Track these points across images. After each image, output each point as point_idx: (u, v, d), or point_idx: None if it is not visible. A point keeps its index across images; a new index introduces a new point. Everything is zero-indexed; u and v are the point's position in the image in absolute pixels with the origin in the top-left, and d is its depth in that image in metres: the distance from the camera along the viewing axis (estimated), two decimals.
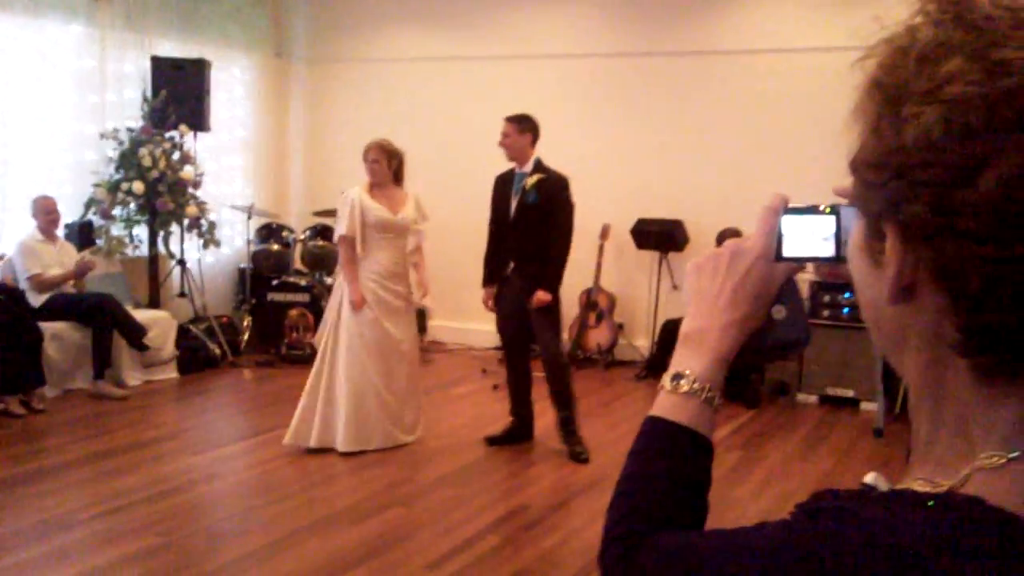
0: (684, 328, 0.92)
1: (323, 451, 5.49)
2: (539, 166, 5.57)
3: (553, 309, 5.55)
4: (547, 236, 5.48)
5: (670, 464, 0.88)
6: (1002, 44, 0.58)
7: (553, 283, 5.49)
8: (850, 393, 6.98)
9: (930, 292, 0.62)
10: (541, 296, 5.42)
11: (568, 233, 5.57)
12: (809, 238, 0.85)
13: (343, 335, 5.54)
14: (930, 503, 0.61)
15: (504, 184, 5.68)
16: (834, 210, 0.84)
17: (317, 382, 5.57)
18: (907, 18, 0.63)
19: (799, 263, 0.88)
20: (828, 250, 0.84)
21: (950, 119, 0.58)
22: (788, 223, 0.86)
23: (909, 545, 0.58)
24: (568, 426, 5.59)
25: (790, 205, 0.87)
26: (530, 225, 5.50)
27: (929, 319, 0.64)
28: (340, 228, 5.56)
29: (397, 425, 5.66)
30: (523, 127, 5.56)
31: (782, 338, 0.89)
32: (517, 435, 5.75)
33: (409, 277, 5.76)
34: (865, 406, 6.82)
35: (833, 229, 0.84)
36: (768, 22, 7.62)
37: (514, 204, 5.56)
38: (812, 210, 0.85)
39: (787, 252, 0.86)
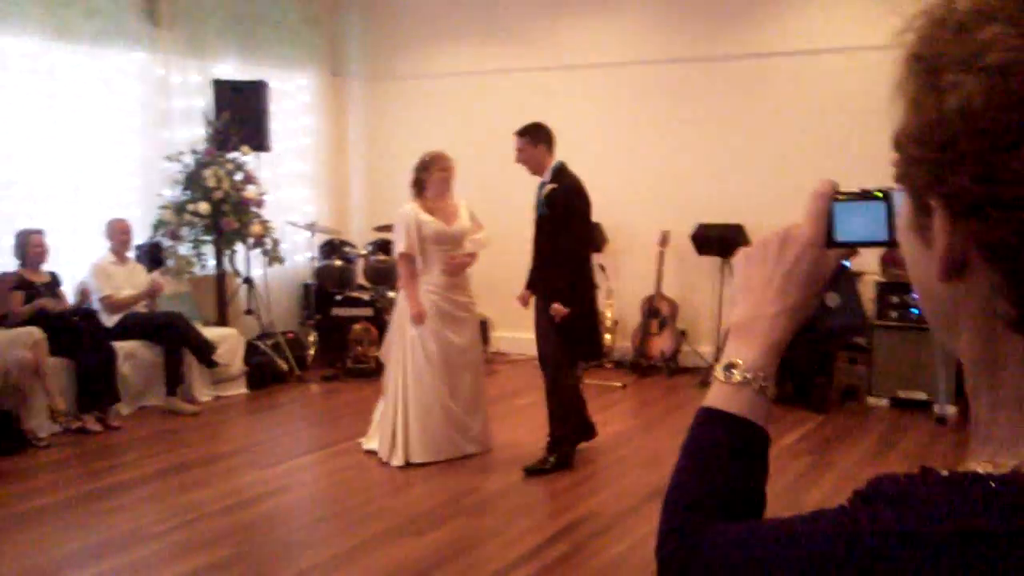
0: (735, 318, 0.92)
1: (386, 463, 5.54)
2: (556, 174, 5.43)
3: (568, 323, 5.34)
4: (556, 247, 5.38)
5: (725, 454, 0.87)
6: None
7: (562, 294, 5.33)
8: (922, 395, 6.81)
9: (982, 268, 0.61)
10: (557, 308, 5.31)
11: (576, 242, 5.41)
12: (860, 222, 0.83)
13: (408, 350, 5.60)
14: (992, 484, 0.59)
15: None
16: (885, 194, 0.82)
17: (391, 398, 5.65)
18: None
19: (851, 247, 0.86)
20: (881, 234, 0.82)
21: (992, 86, 0.57)
22: (839, 208, 0.84)
23: (969, 528, 0.57)
24: (551, 444, 5.45)
25: (840, 190, 0.85)
26: (543, 236, 5.42)
27: (982, 296, 0.62)
28: (399, 246, 5.60)
29: (464, 435, 5.70)
30: (535, 138, 5.46)
31: (836, 325, 0.88)
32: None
33: (470, 286, 5.78)
34: (938, 408, 6.67)
35: (884, 213, 0.82)
36: (822, 22, 7.52)
37: (534, 217, 5.53)
38: (863, 195, 0.83)
39: (838, 237, 0.85)
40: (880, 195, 0.82)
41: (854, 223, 0.84)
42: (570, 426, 5.47)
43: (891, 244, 0.81)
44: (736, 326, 0.91)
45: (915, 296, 0.73)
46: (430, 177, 5.60)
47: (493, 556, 4.30)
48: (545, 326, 5.44)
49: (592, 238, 5.59)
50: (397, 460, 5.54)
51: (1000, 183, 0.57)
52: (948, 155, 0.59)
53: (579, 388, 5.66)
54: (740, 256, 0.92)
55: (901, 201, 0.69)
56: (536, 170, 5.50)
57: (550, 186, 5.40)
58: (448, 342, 5.62)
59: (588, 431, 5.68)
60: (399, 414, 5.59)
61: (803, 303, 0.89)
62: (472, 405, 5.74)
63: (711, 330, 8.08)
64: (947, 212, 0.61)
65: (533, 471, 5.38)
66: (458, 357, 5.65)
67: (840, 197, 0.85)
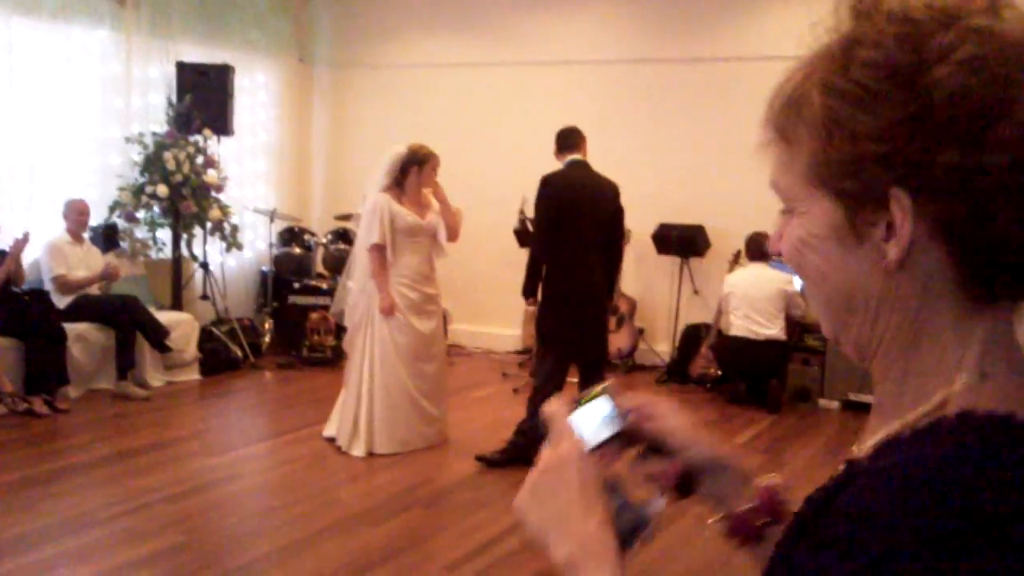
0: (561, 558, 0.83)
1: (342, 453, 5.52)
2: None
3: (540, 315, 5.42)
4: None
5: None
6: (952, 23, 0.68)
7: (524, 287, 5.47)
8: (872, 399, 6.91)
9: (926, 247, 0.69)
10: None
11: (537, 235, 5.42)
12: (599, 422, 0.90)
13: (375, 341, 5.58)
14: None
15: None
16: (604, 388, 0.91)
17: (354, 388, 5.62)
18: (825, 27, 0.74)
19: (607, 447, 0.90)
20: (618, 424, 0.91)
21: (970, 73, 0.66)
22: (577, 420, 0.89)
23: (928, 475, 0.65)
24: (517, 433, 5.45)
25: (572, 401, 0.91)
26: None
27: (922, 275, 0.71)
28: (372, 236, 5.50)
29: (430, 426, 5.74)
30: (556, 145, 5.51)
31: (624, 528, 0.84)
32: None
33: (435, 278, 5.80)
34: None
35: (610, 406, 0.91)
36: (790, 28, 7.57)
37: None
38: (589, 398, 0.91)
39: (591, 445, 0.88)
40: (600, 392, 0.91)
41: (596, 426, 0.90)
42: (533, 422, 5.46)
43: (619, 436, 0.90)
44: (569, 564, 0.82)
45: (819, 307, 0.78)
46: (422, 172, 5.55)
47: (446, 548, 4.29)
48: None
49: (565, 238, 5.34)
50: (358, 450, 5.51)
51: (989, 152, 0.66)
52: (928, 141, 0.67)
53: (551, 387, 5.35)
54: (524, 505, 0.87)
55: (615, 393, 0.79)
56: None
57: None
58: (418, 334, 5.63)
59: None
60: (363, 404, 5.56)
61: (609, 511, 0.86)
62: (436, 394, 5.77)
63: (669, 329, 8.14)
64: (911, 198, 0.68)
65: (486, 459, 5.40)
66: (424, 348, 5.67)
67: (573, 408, 0.90)
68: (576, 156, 5.45)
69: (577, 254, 5.32)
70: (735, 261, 7.54)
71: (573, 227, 5.29)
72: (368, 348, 5.60)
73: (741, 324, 6.97)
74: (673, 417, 1.00)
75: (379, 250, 5.51)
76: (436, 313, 5.79)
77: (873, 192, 0.70)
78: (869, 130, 0.68)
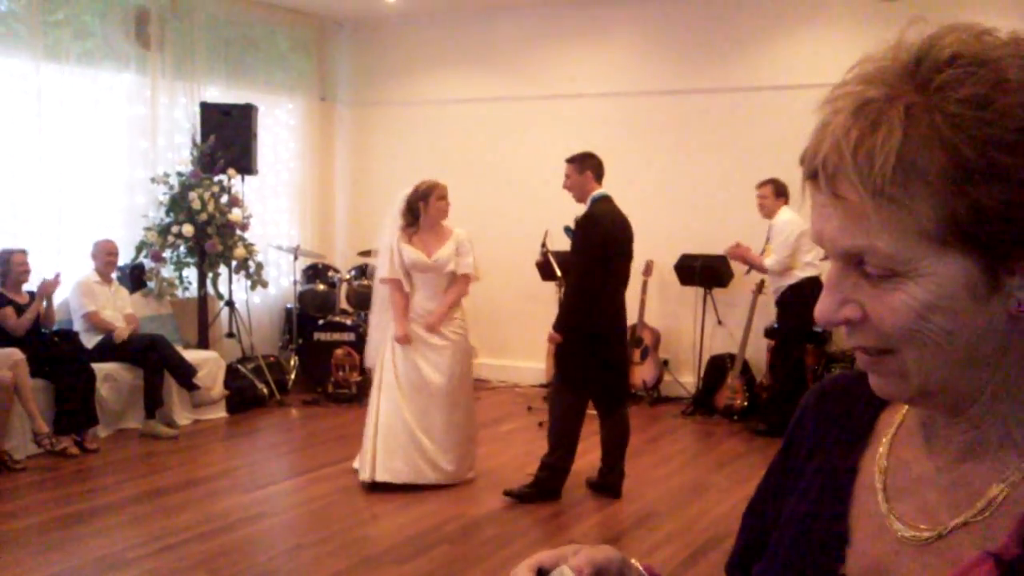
0: None
1: (373, 488, 5.51)
2: (592, 204, 5.40)
3: (567, 352, 5.35)
4: (571, 276, 5.40)
5: None
6: None
7: (560, 321, 5.35)
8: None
9: None
10: (550, 335, 5.38)
11: (580, 272, 5.33)
12: None
13: (385, 368, 5.66)
14: None
15: None
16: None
17: (370, 413, 5.71)
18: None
19: None
20: None
21: None
22: None
23: None
24: (541, 468, 5.43)
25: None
26: (569, 264, 5.50)
27: None
28: (381, 271, 5.71)
29: (431, 466, 5.61)
30: (581, 166, 5.48)
31: None
32: (602, 486, 5.55)
33: (456, 316, 5.74)
34: None
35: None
36: (810, 57, 7.61)
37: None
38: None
39: None
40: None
41: None
42: (557, 456, 5.44)
43: None
44: None
45: (927, 367, 0.75)
46: (428, 206, 5.60)
47: None
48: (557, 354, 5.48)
49: (609, 274, 5.34)
50: (364, 475, 5.54)
51: None
52: None
53: (577, 422, 5.44)
54: None
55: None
56: (579, 198, 5.52)
57: (579, 216, 5.43)
58: (418, 372, 5.60)
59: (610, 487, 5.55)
60: (369, 429, 5.63)
61: None
62: (443, 437, 5.63)
63: (693, 360, 8.10)
64: None
65: (514, 495, 5.37)
66: (425, 388, 5.61)
67: None
68: (603, 190, 5.47)
69: (618, 292, 5.46)
70: (759, 291, 7.51)
71: (614, 264, 5.37)
72: (379, 374, 5.70)
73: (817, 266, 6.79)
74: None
75: (392, 283, 5.63)
76: (448, 351, 5.63)
77: (998, 252, 0.70)
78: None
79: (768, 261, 6.97)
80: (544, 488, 5.38)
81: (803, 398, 1.01)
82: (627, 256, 5.48)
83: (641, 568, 0.89)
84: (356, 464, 5.78)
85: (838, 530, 0.87)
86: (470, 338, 5.94)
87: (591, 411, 5.53)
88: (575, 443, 5.45)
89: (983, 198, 0.69)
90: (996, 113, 0.69)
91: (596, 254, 5.27)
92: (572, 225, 5.55)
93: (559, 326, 5.36)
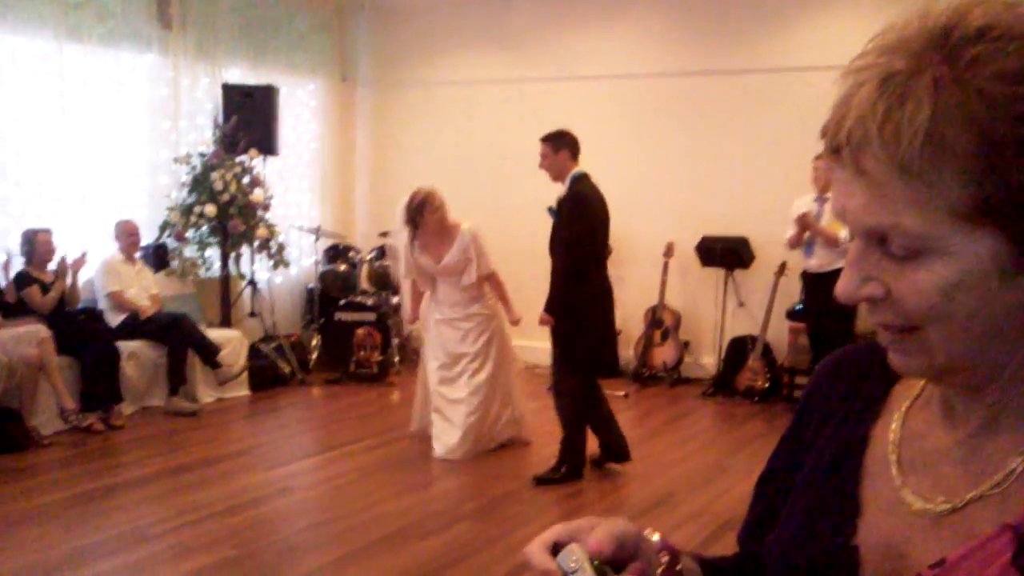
0: None
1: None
2: (573, 183, 5.36)
3: (563, 332, 5.34)
4: (557, 256, 5.32)
5: None
6: None
7: (551, 303, 5.30)
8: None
9: None
10: (543, 317, 5.31)
11: (568, 250, 5.26)
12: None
13: (425, 343, 6.19)
14: None
15: None
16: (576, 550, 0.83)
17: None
18: None
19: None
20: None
21: None
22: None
23: None
24: (560, 453, 5.45)
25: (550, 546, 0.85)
26: (551, 245, 5.38)
27: None
28: (400, 271, 6.22)
29: (448, 431, 5.87)
30: (556, 145, 5.41)
31: None
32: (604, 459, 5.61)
33: (486, 300, 5.94)
34: None
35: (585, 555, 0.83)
36: (832, 37, 7.54)
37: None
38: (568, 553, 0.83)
39: None
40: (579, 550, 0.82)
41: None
42: (574, 437, 5.45)
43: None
44: None
45: (953, 343, 0.74)
46: (424, 220, 5.74)
47: (494, 562, 4.30)
48: (554, 336, 5.43)
49: (597, 251, 5.41)
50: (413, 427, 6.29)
51: None
52: None
53: (587, 401, 5.47)
54: None
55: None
56: (557, 177, 5.46)
57: (561, 195, 5.40)
58: (441, 346, 5.98)
59: (618, 452, 5.56)
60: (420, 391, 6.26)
61: None
62: (455, 410, 5.86)
63: (714, 342, 8.09)
64: None
65: (543, 480, 5.38)
66: (443, 351, 5.96)
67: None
68: (580, 168, 5.44)
69: (604, 267, 5.53)
70: (781, 273, 7.48)
71: (599, 241, 5.43)
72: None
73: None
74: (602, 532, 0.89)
75: (411, 282, 6.15)
76: (472, 331, 5.92)
77: None
78: None
79: (843, 234, 6.90)
80: (568, 470, 5.40)
81: (816, 368, 1.01)
82: (607, 232, 5.51)
83: (656, 539, 0.89)
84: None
85: (850, 501, 0.87)
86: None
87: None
88: (587, 422, 5.49)
89: (1014, 176, 0.67)
90: None
91: (584, 232, 5.26)
92: (554, 205, 5.42)
93: (551, 307, 5.31)
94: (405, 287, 6.37)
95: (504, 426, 6.03)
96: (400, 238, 5.96)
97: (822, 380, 0.98)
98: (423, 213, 5.73)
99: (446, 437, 5.82)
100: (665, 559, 0.87)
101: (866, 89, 0.71)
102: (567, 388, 5.44)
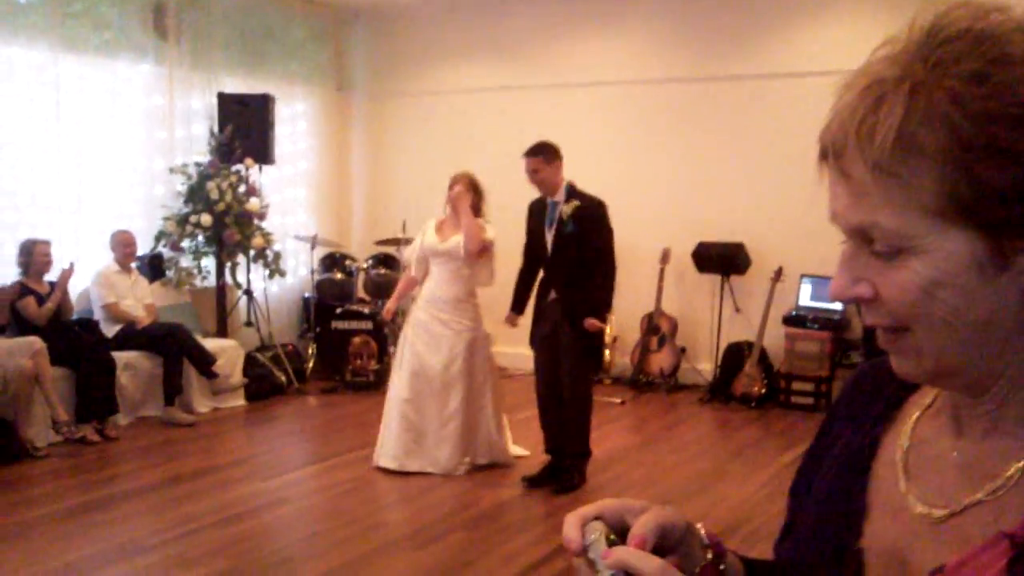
0: None
1: (390, 476, 5.54)
2: (572, 192, 5.38)
3: (593, 339, 5.41)
4: (589, 263, 5.32)
5: None
6: None
7: (602, 309, 5.38)
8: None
9: None
10: (593, 322, 5.27)
11: (612, 257, 5.37)
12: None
13: (399, 354, 5.83)
14: None
15: (537, 213, 5.54)
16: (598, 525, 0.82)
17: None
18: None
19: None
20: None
21: None
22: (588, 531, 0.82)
23: None
24: (573, 461, 5.43)
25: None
26: (570, 254, 5.34)
27: None
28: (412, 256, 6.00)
29: (423, 454, 5.63)
30: (550, 157, 5.39)
31: None
32: (553, 473, 5.49)
33: (475, 313, 5.77)
34: None
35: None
36: (827, 43, 7.56)
37: (550, 236, 5.40)
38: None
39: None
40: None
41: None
42: (582, 442, 5.47)
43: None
44: None
45: (941, 347, 0.75)
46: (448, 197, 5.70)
47: (492, 571, 4.29)
48: (568, 342, 5.35)
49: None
50: (374, 460, 5.71)
51: None
52: None
53: (591, 404, 5.61)
54: None
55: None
56: (551, 190, 5.42)
57: (574, 204, 5.34)
58: (418, 359, 5.67)
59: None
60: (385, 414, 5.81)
61: None
62: (438, 427, 5.64)
63: (710, 348, 8.09)
64: None
65: (563, 489, 5.34)
66: (424, 374, 5.65)
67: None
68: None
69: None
70: (777, 278, 7.48)
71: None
72: (396, 358, 5.89)
73: None
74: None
75: (403, 280, 6.10)
76: (447, 340, 5.64)
77: (1005, 226, 0.69)
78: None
79: None
80: (577, 477, 5.41)
81: (847, 378, 1.03)
82: None
83: (704, 534, 0.88)
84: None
85: (857, 505, 0.88)
86: (486, 327, 5.93)
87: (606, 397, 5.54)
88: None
89: (984, 174, 0.68)
90: (995, 88, 0.68)
91: (611, 237, 5.38)
92: (564, 217, 5.35)
93: (599, 313, 5.34)
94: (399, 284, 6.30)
95: (484, 449, 5.79)
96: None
97: (848, 390, 1.00)
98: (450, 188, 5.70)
99: (390, 447, 5.66)
100: (710, 556, 0.87)
101: (849, 96, 0.73)
102: (585, 392, 5.46)
